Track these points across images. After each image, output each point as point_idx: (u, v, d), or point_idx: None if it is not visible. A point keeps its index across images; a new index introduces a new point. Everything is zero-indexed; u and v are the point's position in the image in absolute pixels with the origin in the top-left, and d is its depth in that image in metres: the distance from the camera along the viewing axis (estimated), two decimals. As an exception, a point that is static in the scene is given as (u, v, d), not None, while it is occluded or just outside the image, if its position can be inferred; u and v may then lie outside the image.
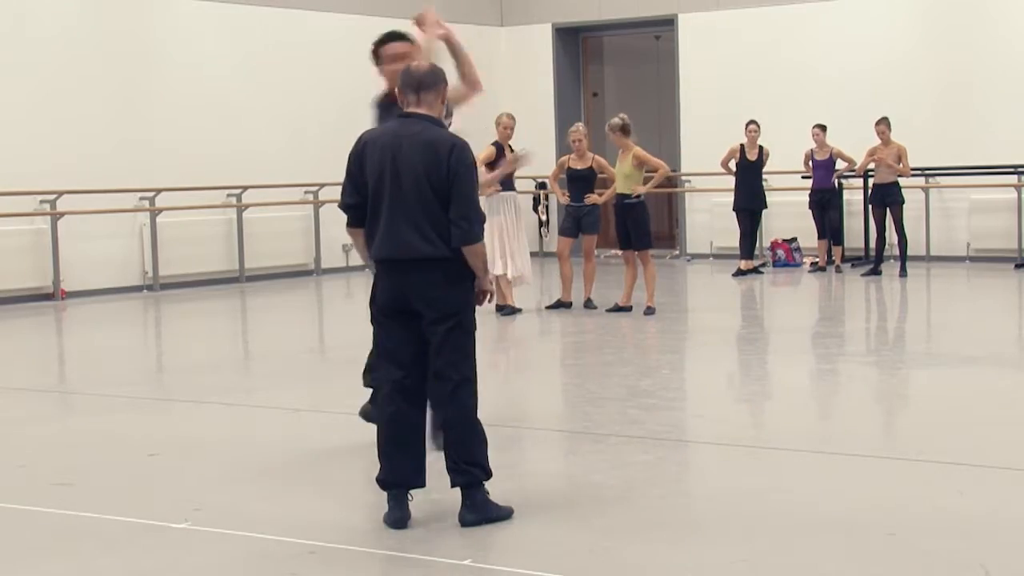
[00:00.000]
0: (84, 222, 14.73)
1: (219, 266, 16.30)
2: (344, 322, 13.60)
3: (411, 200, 5.40)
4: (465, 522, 5.39)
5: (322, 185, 17.31)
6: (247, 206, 16.51)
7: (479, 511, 5.41)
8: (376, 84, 6.94)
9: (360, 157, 5.60)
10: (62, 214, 14.52)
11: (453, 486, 5.47)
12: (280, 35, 17.20)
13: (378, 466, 5.47)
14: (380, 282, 5.61)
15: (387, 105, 6.38)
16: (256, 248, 16.64)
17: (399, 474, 5.43)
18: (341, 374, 9.76)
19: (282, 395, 8.68)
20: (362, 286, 16.71)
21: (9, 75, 14.30)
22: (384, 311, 5.56)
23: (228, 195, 16.44)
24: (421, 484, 5.50)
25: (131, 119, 15.36)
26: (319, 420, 7.92)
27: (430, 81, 5.55)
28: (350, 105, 17.77)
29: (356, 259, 18.11)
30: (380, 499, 5.50)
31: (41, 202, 14.52)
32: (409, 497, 5.46)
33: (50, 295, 14.60)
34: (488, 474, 5.48)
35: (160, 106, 15.66)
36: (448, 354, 5.50)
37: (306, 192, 17.42)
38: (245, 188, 16.49)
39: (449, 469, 5.47)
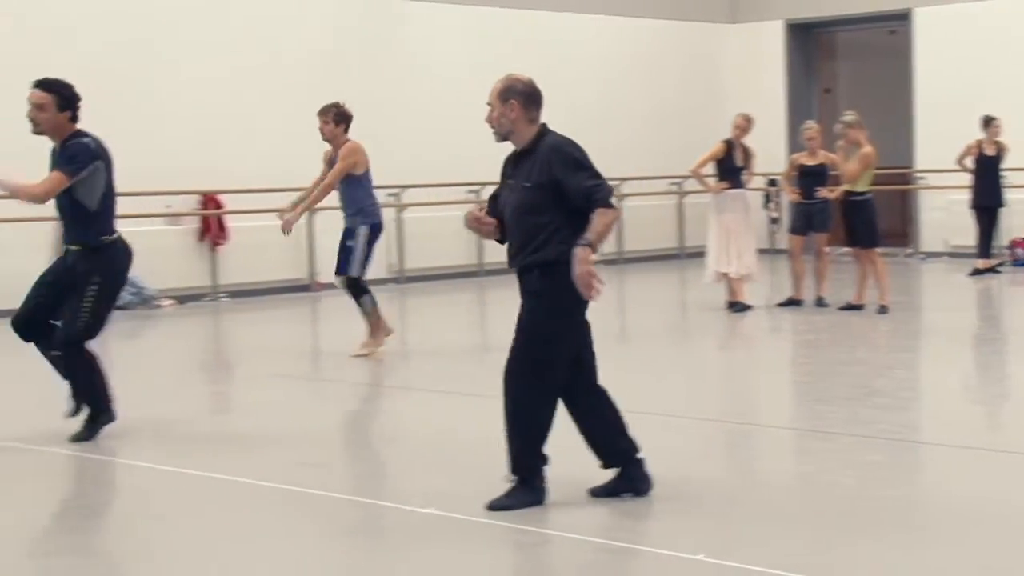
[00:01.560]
0: (335, 218, 15.19)
1: (459, 260, 16.61)
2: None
3: None
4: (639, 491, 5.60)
5: (557, 182, 17.43)
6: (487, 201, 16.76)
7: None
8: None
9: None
10: (318, 210, 15.05)
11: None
12: (517, 36, 17.40)
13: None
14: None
15: None
16: (495, 243, 16.85)
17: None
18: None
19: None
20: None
21: (273, 92, 14.86)
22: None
23: (468, 191, 16.73)
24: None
25: (379, 120, 15.78)
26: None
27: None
28: (586, 106, 18.03)
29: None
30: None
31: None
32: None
33: (306, 286, 15.16)
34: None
35: (406, 107, 16.01)
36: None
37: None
38: (485, 184, 16.74)
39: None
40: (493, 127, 5.70)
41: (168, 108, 14.17)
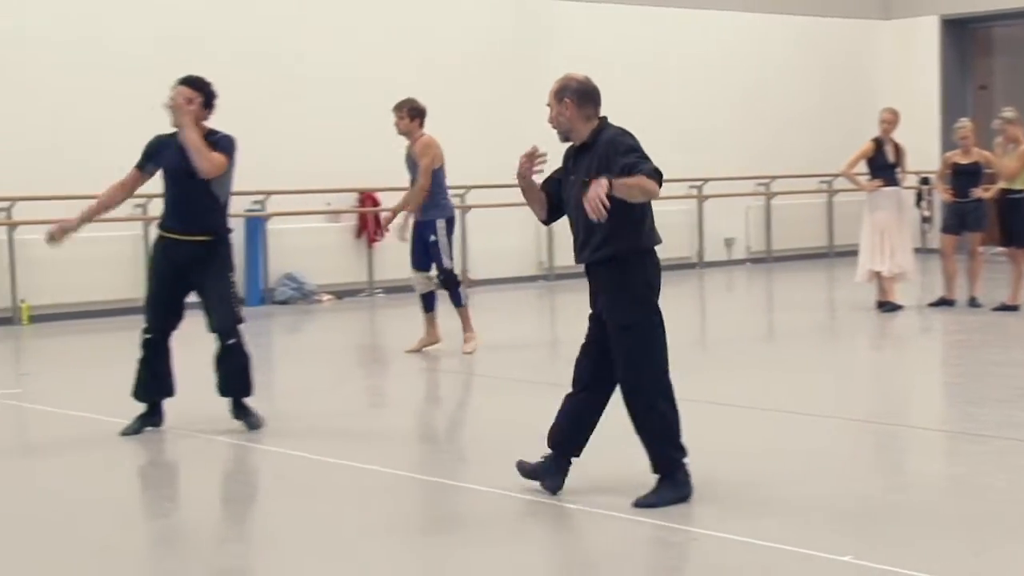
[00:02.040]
0: (489, 216, 15.39)
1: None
2: (724, 315, 13.64)
3: None
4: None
5: (706, 180, 17.37)
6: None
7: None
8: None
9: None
10: (470, 207, 15.27)
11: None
12: (674, 34, 17.39)
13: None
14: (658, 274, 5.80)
15: None
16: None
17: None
18: (723, 365, 9.82)
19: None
20: (743, 279, 16.67)
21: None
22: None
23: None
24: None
25: (532, 118, 15.90)
26: (694, 409, 7.96)
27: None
28: (736, 103, 17.90)
29: (739, 252, 18.08)
30: (788, 492, 5.48)
31: (454, 195, 15.29)
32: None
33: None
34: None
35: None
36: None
37: (690, 187, 17.53)
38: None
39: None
40: (554, 127, 5.74)
41: (327, 109, 14.50)
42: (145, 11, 13.52)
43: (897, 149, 12.36)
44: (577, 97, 5.72)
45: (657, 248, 5.86)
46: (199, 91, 7.28)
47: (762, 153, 18.10)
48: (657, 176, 5.47)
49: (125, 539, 5.43)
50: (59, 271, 12.78)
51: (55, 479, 6.53)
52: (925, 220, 18.77)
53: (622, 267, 5.61)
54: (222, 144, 7.20)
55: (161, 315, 7.26)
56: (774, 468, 6.33)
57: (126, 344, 10.69)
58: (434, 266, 10.08)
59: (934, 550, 4.98)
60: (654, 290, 5.71)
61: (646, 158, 5.55)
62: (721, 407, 7.87)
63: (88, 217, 7.41)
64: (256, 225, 14.10)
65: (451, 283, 10.08)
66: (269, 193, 14.02)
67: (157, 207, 13.19)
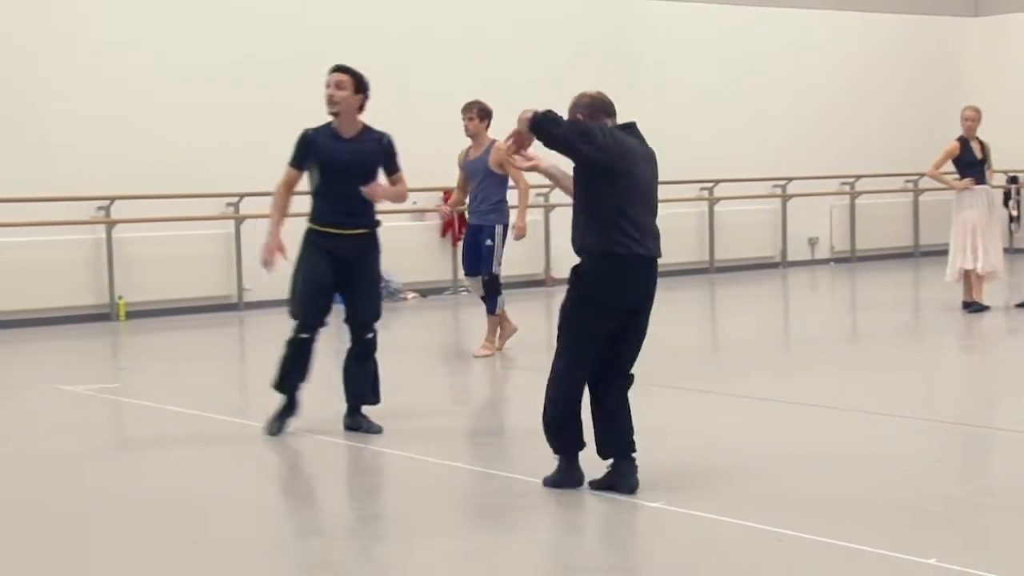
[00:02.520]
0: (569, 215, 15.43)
1: (691, 257, 16.62)
2: (808, 315, 13.55)
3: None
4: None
5: (790, 179, 17.26)
6: (718, 199, 16.74)
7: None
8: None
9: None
10: (553, 206, 15.33)
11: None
12: (758, 33, 17.30)
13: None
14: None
15: None
16: (725, 240, 16.85)
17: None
18: (805, 365, 9.78)
19: (749, 384, 8.79)
20: (826, 279, 16.54)
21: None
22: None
23: (700, 189, 16.73)
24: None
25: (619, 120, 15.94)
26: (778, 410, 7.96)
27: None
28: (822, 102, 17.75)
29: (822, 252, 17.94)
30: (871, 494, 5.45)
31: (537, 194, 15.37)
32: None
33: (542, 281, 15.46)
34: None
35: (637, 104, 16.09)
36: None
37: (774, 186, 17.43)
38: (716, 182, 16.71)
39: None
40: None
41: (413, 108, 14.61)
42: (236, 18, 13.74)
43: (983, 147, 12.19)
44: (588, 111, 5.90)
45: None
46: (353, 77, 7.25)
47: (847, 152, 17.93)
48: (549, 120, 5.67)
49: (214, 534, 5.55)
50: (155, 268, 13.07)
51: (154, 473, 6.69)
52: (1013, 219, 18.48)
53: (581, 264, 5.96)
54: (392, 147, 7.32)
55: (316, 312, 7.14)
56: (858, 469, 6.30)
57: (219, 340, 10.96)
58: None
59: (1020, 554, 4.94)
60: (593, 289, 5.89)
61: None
62: (804, 407, 7.85)
63: (278, 229, 7.19)
64: (344, 224, 14.26)
65: (493, 289, 10.11)
66: (357, 192, 14.15)
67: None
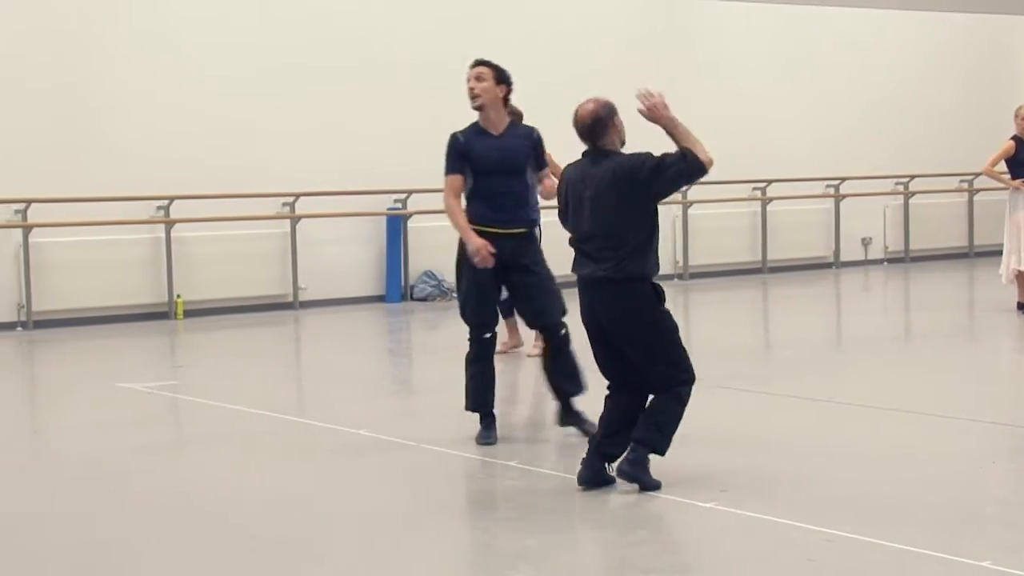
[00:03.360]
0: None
1: (744, 257, 16.56)
2: (861, 315, 13.44)
3: None
4: (620, 471, 5.80)
5: (843, 179, 17.14)
6: (771, 199, 16.65)
7: (636, 468, 5.77)
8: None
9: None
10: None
11: (631, 438, 5.81)
12: (812, 33, 17.20)
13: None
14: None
15: None
16: (778, 240, 16.75)
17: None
18: (858, 365, 9.70)
19: (801, 384, 8.74)
20: (880, 280, 16.41)
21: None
22: None
23: (753, 188, 16.65)
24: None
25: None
26: (830, 410, 7.92)
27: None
28: (876, 101, 17.60)
29: (876, 252, 17.79)
30: (924, 495, 5.41)
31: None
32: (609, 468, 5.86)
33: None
34: (662, 447, 5.81)
35: (696, 105, 16.02)
36: (643, 367, 5.95)
37: (827, 186, 17.31)
38: (769, 182, 16.63)
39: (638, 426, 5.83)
40: None
41: (464, 109, 14.64)
42: (294, 23, 13.84)
43: (1038, 146, 12.03)
44: (576, 132, 6.08)
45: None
46: (492, 68, 7.22)
47: (901, 151, 17.78)
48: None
49: (283, 531, 5.61)
50: (212, 267, 13.21)
51: (213, 469, 6.76)
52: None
53: None
54: (541, 142, 7.19)
55: (492, 312, 7.02)
56: (910, 470, 6.26)
57: (275, 338, 11.06)
58: None
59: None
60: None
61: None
62: (857, 408, 7.80)
63: (469, 230, 6.88)
64: (397, 223, 14.35)
65: None
66: (410, 192, 14.25)
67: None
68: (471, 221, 6.95)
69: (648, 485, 5.79)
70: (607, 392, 6.04)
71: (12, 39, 12.53)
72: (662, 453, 5.84)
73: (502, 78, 7.16)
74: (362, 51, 13.98)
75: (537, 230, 9.85)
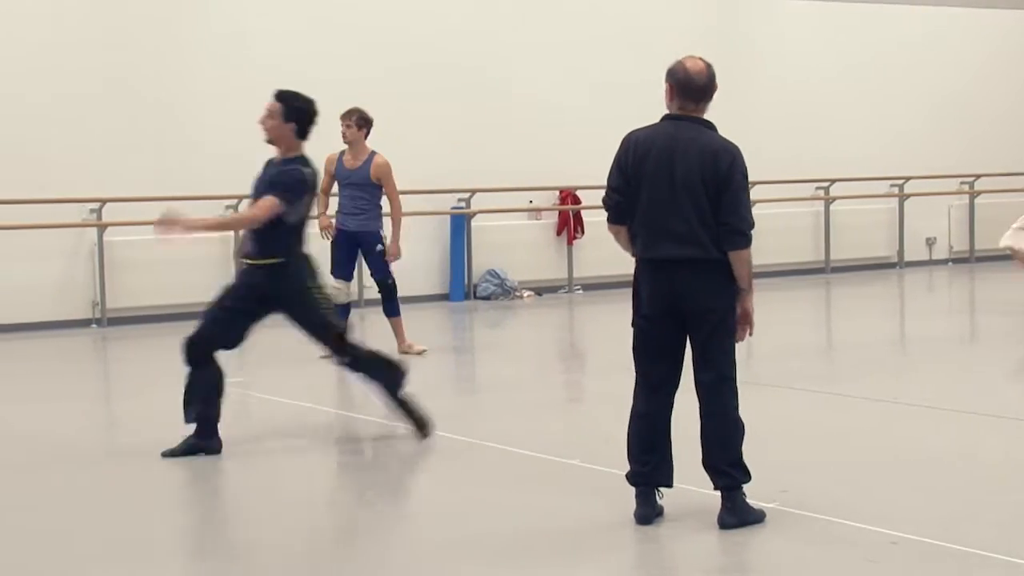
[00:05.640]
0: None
1: (806, 257, 16.41)
2: (925, 316, 13.27)
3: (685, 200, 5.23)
4: (724, 524, 5.28)
5: (907, 179, 16.93)
6: (834, 199, 16.48)
7: (739, 514, 5.30)
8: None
9: (627, 155, 5.39)
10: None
11: (716, 488, 5.35)
12: (876, 31, 17.01)
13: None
14: (644, 282, 5.40)
15: None
16: (841, 240, 16.58)
17: (646, 472, 5.40)
18: (921, 366, 9.59)
19: (864, 385, 8.65)
20: (944, 280, 16.19)
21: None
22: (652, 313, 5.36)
23: (816, 188, 16.50)
24: (669, 484, 5.45)
25: (739, 118, 15.78)
26: (893, 411, 7.82)
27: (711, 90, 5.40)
28: (941, 100, 17.36)
29: (940, 252, 17.56)
30: (988, 498, 5.35)
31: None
32: (659, 494, 5.41)
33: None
34: (748, 476, 5.35)
35: (757, 104, 15.92)
36: (711, 353, 5.32)
37: (891, 185, 17.11)
38: (832, 181, 16.46)
39: (710, 469, 5.36)
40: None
41: (530, 109, 14.65)
42: (368, 28, 13.92)
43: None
44: (677, 86, 5.47)
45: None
46: (284, 104, 6.90)
47: (966, 150, 17.52)
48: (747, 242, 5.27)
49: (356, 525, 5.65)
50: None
51: (287, 466, 6.82)
52: None
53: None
54: (280, 181, 6.80)
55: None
56: (975, 472, 6.18)
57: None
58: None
59: None
60: (638, 295, 5.46)
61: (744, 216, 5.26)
62: (920, 409, 7.70)
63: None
64: (461, 222, 14.38)
65: (394, 292, 10.33)
66: (473, 191, 14.28)
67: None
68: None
69: (757, 520, 5.35)
70: (638, 412, 5.46)
71: (84, 42, 12.70)
72: (749, 480, 5.38)
73: (291, 117, 6.87)
74: (426, 54, 14.00)
75: (381, 235, 9.95)
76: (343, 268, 10.18)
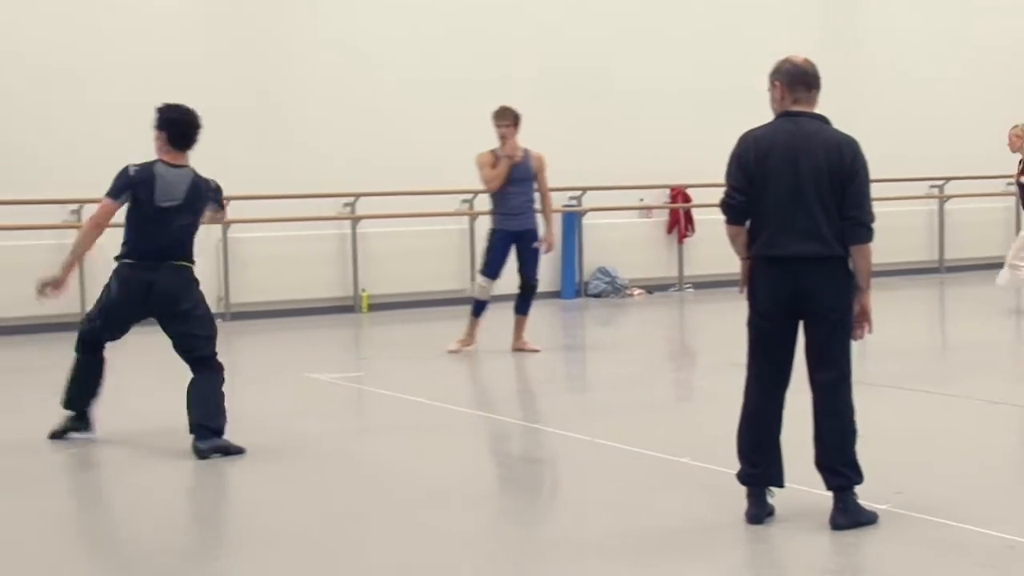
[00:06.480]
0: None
1: (920, 256, 16.12)
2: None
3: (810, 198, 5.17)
4: (837, 525, 5.20)
5: (947, 179, 16.50)
6: (948, 197, 16.17)
7: (851, 515, 5.22)
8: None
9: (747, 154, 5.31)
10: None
11: (829, 488, 5.27)
12: (991, 26, 16.65)
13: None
14: (764, 280, 5.31)
15: None
16: (956, 239, 16.26)
17: (757, 472, 5.34)
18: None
19: (978, 386, 8.50)
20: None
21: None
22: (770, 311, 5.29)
23: (931, 186, 16.21)
24: (780, 484, 5.38)
25: (847, 114, 15.58)
26: (1009, 414, 7.67)
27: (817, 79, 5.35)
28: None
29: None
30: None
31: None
32: (769, 494, 5.36)
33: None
34: (861, 477, 5.27)
35: (871, 101, 15.67)
36: (831, 352, 5.25)
37: (1008, 184, 16.70)
38: (947, 179, 16.16)
39: (825, 469, 5.28)
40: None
41: (640, 110, 14.64)
42: (459, 30, 14.03)
43: None
44: (787, 80, 5.37)
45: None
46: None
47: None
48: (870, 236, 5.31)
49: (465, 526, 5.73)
50: (396, 263, 13.50)
51: (398, 459, 6.93)
52: None
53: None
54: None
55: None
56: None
57: (457, 332, 11.17)
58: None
59: None
60: (754, 294, 5.38)
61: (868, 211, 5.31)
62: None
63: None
64: (572, 220, 14.43)
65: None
66: (585, 189, 14.32)
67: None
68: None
69: (870, 521, 5.28)
70: (749, 411, 5.41)
71: (211, 52, 13.01)
72: (863, 481, 5.29)
73: (161, 126, 7.13)
74: (537, 56, 14.07)
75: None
76: (498, 268, 10.26)
